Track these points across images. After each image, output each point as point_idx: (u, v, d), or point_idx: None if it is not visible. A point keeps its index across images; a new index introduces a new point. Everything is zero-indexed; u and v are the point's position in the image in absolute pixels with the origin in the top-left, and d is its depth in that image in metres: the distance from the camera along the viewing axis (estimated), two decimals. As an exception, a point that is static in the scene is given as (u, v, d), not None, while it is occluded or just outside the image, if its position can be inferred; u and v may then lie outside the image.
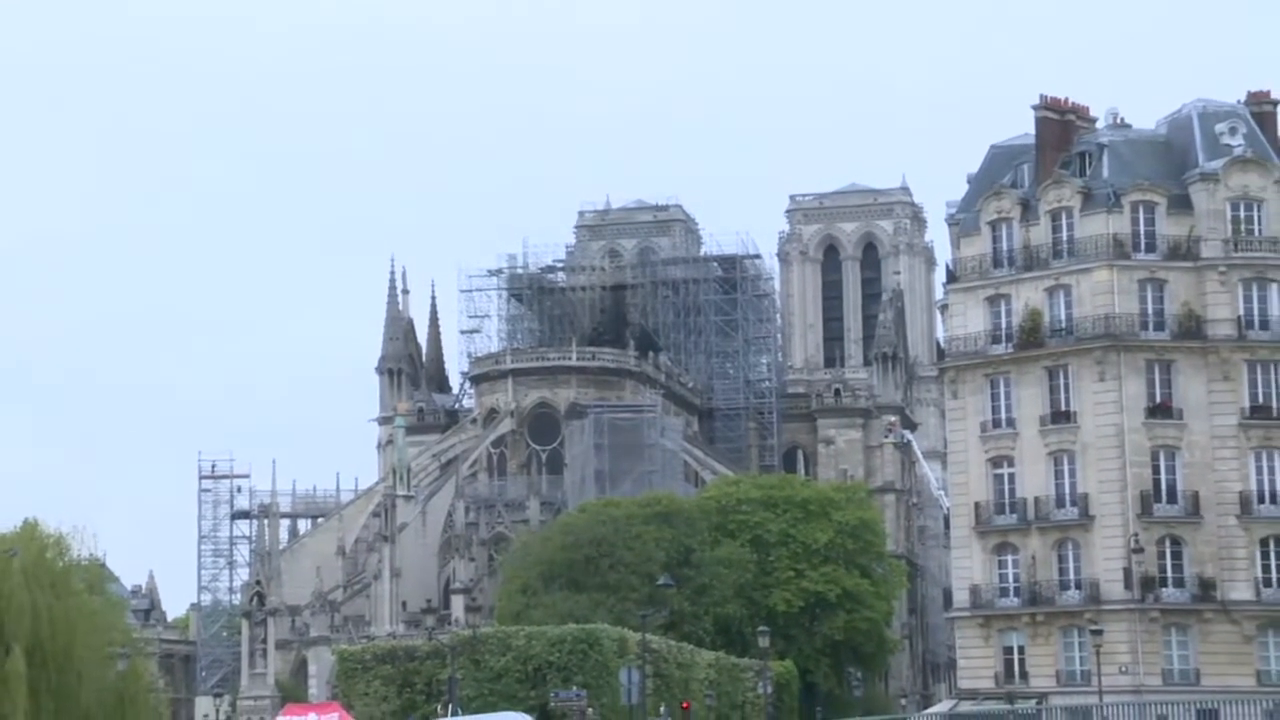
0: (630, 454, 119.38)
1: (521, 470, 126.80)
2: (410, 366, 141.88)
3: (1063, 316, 77.51)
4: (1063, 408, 77.07)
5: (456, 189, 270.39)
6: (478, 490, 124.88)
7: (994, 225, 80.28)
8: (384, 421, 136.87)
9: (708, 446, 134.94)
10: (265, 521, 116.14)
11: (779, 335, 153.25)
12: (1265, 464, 75.72)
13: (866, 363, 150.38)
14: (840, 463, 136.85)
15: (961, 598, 79.57)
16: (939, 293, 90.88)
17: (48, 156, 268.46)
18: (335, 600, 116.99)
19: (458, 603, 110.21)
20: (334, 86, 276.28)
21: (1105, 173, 78.89)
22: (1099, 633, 71.29)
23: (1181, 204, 77.71)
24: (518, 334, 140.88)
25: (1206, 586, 74.77)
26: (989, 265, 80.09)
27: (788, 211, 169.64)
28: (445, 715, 64.46)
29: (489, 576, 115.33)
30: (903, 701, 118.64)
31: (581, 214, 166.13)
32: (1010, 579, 77.67)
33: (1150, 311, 76.73)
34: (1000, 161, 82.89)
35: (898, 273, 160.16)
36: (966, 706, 75.49)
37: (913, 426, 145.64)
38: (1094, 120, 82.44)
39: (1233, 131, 79.07)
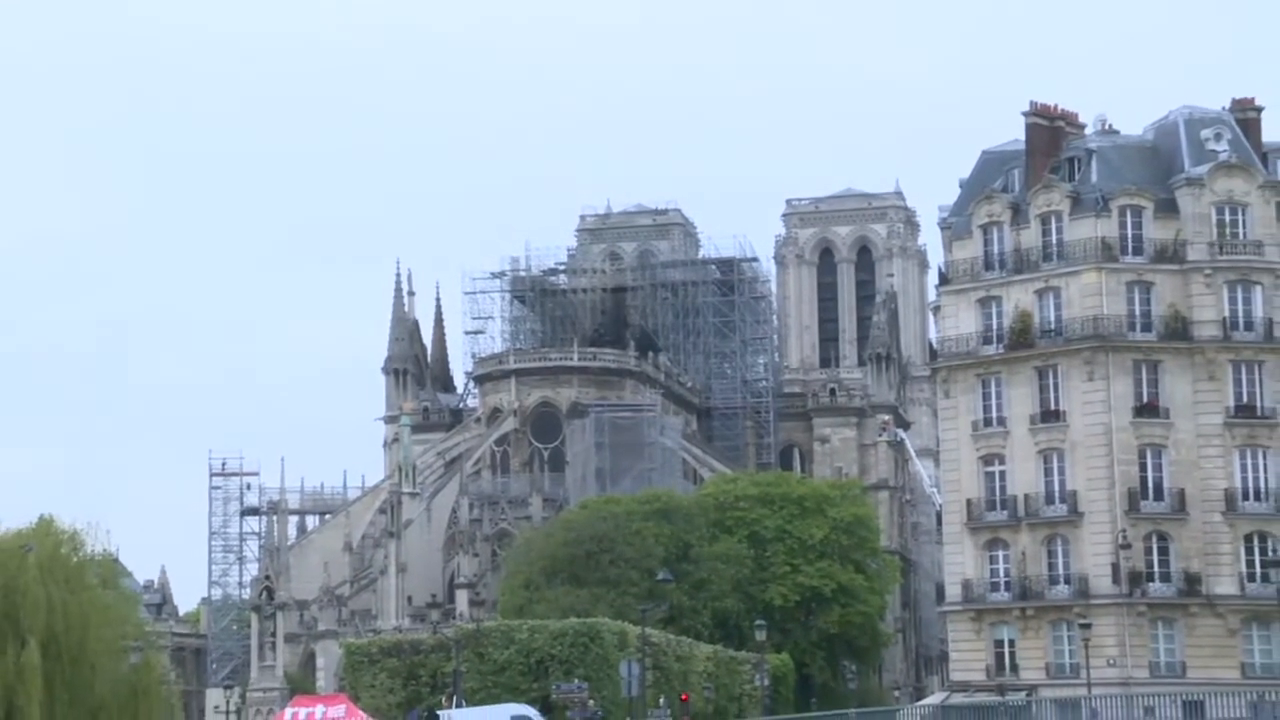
0: (630, 452, 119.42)
1: (524, 468, 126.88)
2: (416, 367, 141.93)
3: (1052, 318, 77.53)
4: (1052, 407, 77.10)
5: (461, 194, 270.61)
6: (481, 487, 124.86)
7: (985, 229, 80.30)
8: (390, 420, 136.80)
9: (706, 445, 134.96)
10: (274, 518, 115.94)
11: (775, 336, 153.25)
12: (1249, 461, 75.76)
13: (861, 363, 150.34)
14: (835, 460, 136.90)
15: (953, 592, 79.59)
16: (931, 294, 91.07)
17: (57, 160, 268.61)
18: (342, 595, 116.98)
19: (462, 597, 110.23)
20: (342, 95, 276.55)
21: (1094, 178, 78.91)
22: (1087, 626, 71.38)
23: (1168, 208, 77.74)
24: (520, 335, 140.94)
25: (1192, 581, 74.79)
26: (980, 268, 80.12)
27: (784, 215, 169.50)
28: (450, 707, 64.42)
29: (492, 571, 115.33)
30: (896, 694, 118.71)
31: (583, 218, 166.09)
32: (1001, 574, 77.70)
33: (1137, 313, 76.76)
34: (991, 167, 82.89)
35: (891, 275, 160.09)
36: (958, 698, 75.47)
37: (906, 425, 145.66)
38: (1083, 126, 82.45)
39: (1218, 137, 79.10)
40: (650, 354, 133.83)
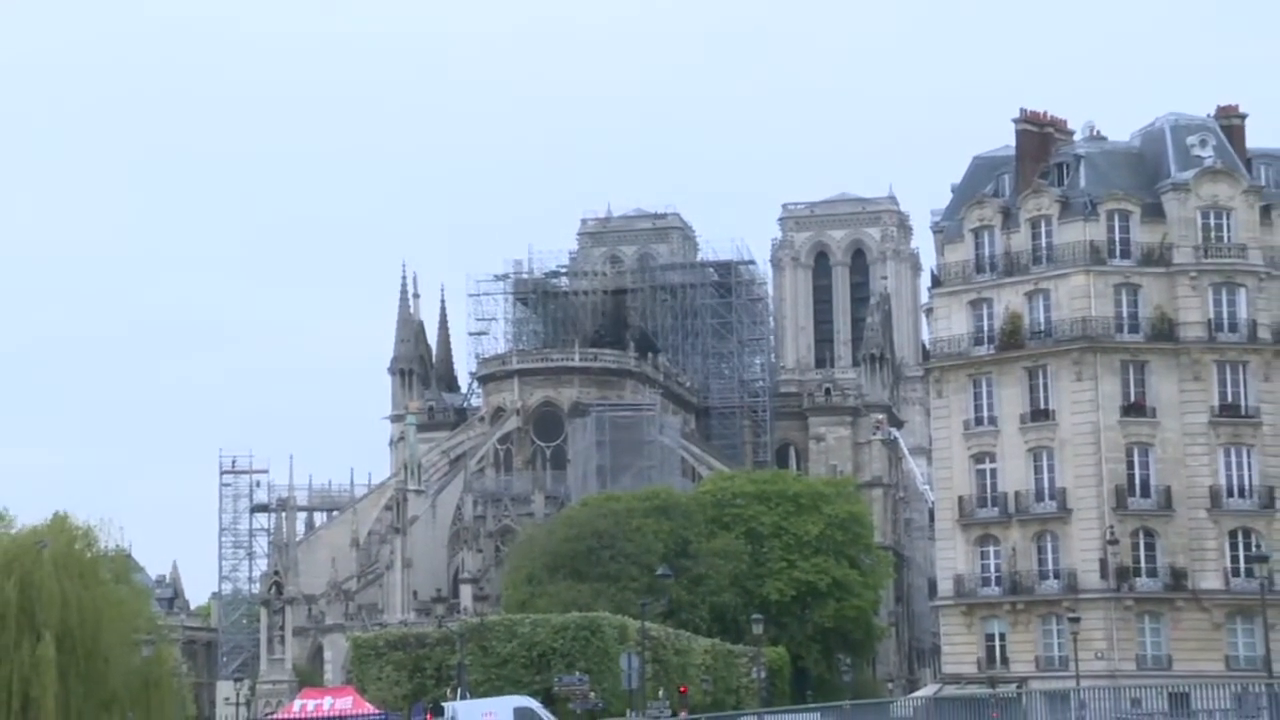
0: (630, 450, 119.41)
1: (527, 466, 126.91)
2: (421, 367, 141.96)
3: (1042, 319, 77.49)
4: (1042, 406, 77.05)
5: (465, 199, 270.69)
6: (485, 485, 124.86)
7: (976, 232, 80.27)
8: (396, 419, 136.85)
9: (704, 443, 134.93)
10: (283, 514, 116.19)
11: (772, 337, 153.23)
12: (1234, 460, 75.72)
13: (855, 363, 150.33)
14: (830, 458, 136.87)
15: (945, 587, 79.57)
16: (924, 297, 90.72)
17: (70, 161, 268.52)
18: (349, 589, 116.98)
19: (466, 592, 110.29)
20: (352, 105, 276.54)
21: (1082, 183, 78.89)
22: (1076, 620, 71.32)
23: (1154, 212, 77.73)
24: (523, 336, 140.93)
25: (1178, 576, 74.79)
26: (972, 270, 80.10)
27: (780, 219, 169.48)
28: (454, 699, 64.49)
29: (496, 567, 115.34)
30: (890, 686, 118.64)
31: (584, 222, 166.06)
32: (992, 569, 77.66)
33: (1125, 315, 76.73)
34: (982, 172, 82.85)
35: (885, 278, 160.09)
36: (950, 691, 75.45)
37: (899, 424, 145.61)
38: (1071, 133, 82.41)
39: (1203, 143, 79.09)
40: (650, 355, 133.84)
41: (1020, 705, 59.18)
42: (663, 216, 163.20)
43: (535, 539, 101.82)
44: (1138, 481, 75.55)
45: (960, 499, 78.56)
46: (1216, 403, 76.02)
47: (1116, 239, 77.43)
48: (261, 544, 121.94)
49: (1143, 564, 75.21)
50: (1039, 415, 76.96)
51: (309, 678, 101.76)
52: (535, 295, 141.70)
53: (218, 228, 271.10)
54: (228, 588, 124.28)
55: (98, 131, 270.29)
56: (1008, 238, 79.20)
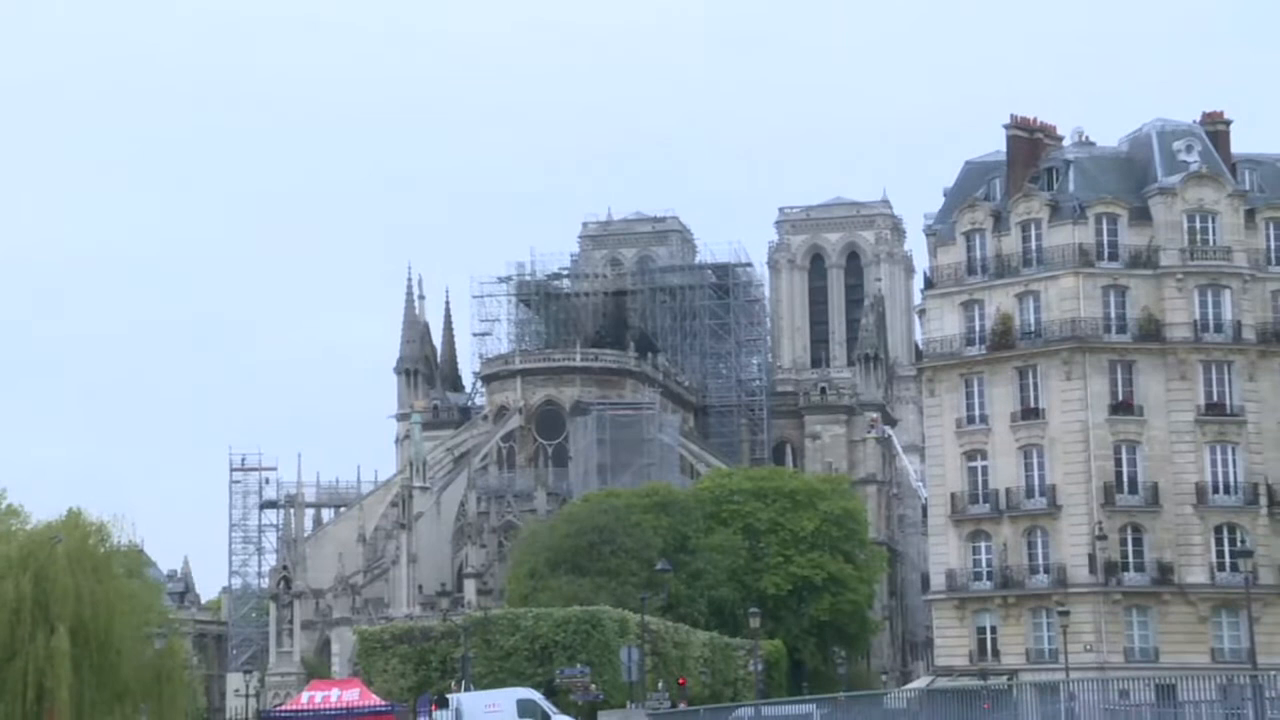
0: (630, 448, 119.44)
1: (529, 463, 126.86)
2: (426, 367, 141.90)
3: (1032, 320, 77.51)
4: (1032, 405, 77.08)
5: (469, 203, 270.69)
6: (488, 482, 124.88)
7: (968, 235, 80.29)
8: (402, 418, 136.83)
9: (702, 441, 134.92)
10: (291, 511, 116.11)
11: (768, 338, 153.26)
12: (1219, 457, 75.78)
13: (850, 363, 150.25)
14: (825, 456, 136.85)
15: (938, 581, 79.58)
16: (917, 298, 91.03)
17: (84, 164, 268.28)
18: (356, 584, 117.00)
19: (470, 586, 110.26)
20: (356, 108, 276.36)
21: (1071, 187, 78.92)
22: (1066, 614, 71.37)
23: (1142, 216, 77.77)
24: (525, 337, 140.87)
25: (1165, 571, 74.83)
26: (964, 273, 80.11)
27: (777, 223, 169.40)
28: (458, 691, 64.48)
29: (499, 562, 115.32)
30: (883, 678, 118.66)
31: (585, 225, 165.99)
32: (983, 564, 77.69)
33: (1113, 316, 76.77)
34: (974, 176, 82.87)
35: (879, 280, 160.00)
36: (943, 682, 75.39)
37: (893, 422, 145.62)
38: (1061, 138, 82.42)
39: (1189, 149, 79.10)
40: (649, 355, 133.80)
41: (1011, 697, 59.02)
42: (662, 220, 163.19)
43: (537, 535, 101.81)
44: (1125, 478, 75.60)
45: (952, 495, 78.57)
46: (1202, 401, 76.06)
47: (1105, 242, 77.47)
48: (270, 540, 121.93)
49: (1130, 559, 75.25)
50: (1029, 414, 76.99)
51: (317, 670, 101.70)
52: (537, 297, 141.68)
53: (231, 234, 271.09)
54: (237, 582, 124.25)
55: (118, 139, 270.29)
56: (999, 240, 79.22)
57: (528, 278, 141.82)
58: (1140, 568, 75.08)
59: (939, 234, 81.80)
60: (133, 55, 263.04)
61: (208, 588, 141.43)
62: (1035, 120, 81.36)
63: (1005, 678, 72.38)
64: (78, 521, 59.25)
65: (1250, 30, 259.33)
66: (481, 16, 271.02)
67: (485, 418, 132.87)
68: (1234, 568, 72.07)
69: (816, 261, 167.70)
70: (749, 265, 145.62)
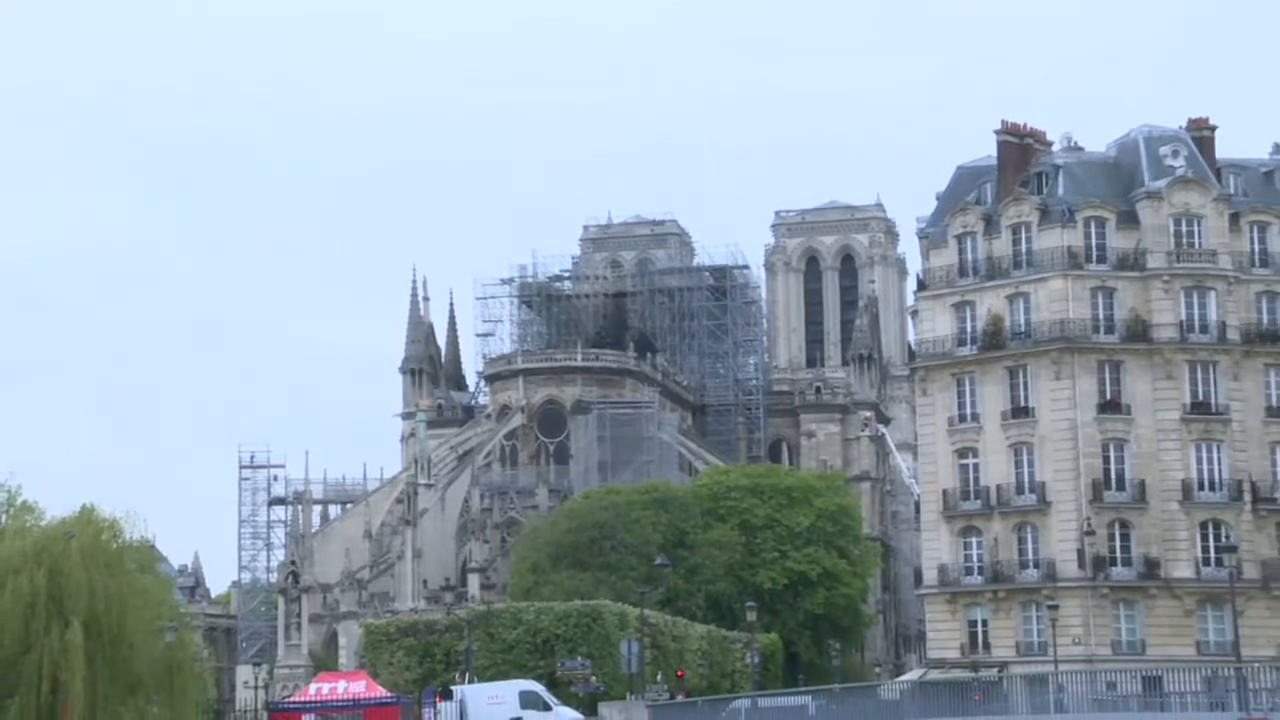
0: (630, 446, 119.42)
1: (531, 461, 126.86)
2: (431, 367, 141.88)
3: (1022, 321, 77.68)
4: (1022, 404, 77.25)
5: (472, 207, 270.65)
6: (492, 479, 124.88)
7: (960, 238, 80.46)
8: (407, 416, 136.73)
9: (700, 439, 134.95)
10: (299, 507, 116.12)
11: (765, 338, 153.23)
12: (1204, 455, 75.97)
13: (844, 363, 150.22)
14: (820, 454, 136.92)
15: (930, 576, 79.75)
16: (910, 300, 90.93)
17: (93, 164, 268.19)
18: (362, 579, 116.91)
19: (473, 581, 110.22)
20: (359, 111, 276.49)
21: (1060, 191, 79.06)
22: (1055, 608, 71.56)
23: (1129, 220, 77.93)
24: (528, 337, 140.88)
25: (1152, 565, 74.97)
26: (955, 275, 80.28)
27: (773, 226, 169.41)
28: (462, 683, 64.55)
29: (502, 557, 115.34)
30: (877, 670, 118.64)
31: (585, 228, 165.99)
32: (975, 559, 77.85)
33: (1101, 317, 76.94)
34: (965, 181, 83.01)
35: (873, 282, 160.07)
36: (935, 674, 75.58)
37: (886, 421, 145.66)
38: (1050, 143, 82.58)
39: (1175, 154, 79.26)
40: (648, 355, 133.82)
41: (1001, 688, 59.24)
42: (661, 223, 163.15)
43: (539, 530, 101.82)
44: (1113, 475, 75.78)
45: (944, 492, 78.72)
46: (1188, 400, 76.22)
47: (1093, 245, 77.65)
48: (279, 535, 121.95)
49: (1118, 554, 75.42)
50: (1019, 412, 77.15)
51: (324, 662, 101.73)
52: (539, 298, 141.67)
53: (240, 235, 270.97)
54: (247, 577, 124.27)
55: (128, 140, 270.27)
56: (989, 243, 79.37)
57: (530, 279, 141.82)
58: (1127, 563, 75.24)
59: (931, 237, 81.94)
60: (133, 55, 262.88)
61: (218, 582, 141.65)
62: (1025, 126, 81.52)
63: (996, 670, 72.52)
64: (91, 518, 59.16)
65: (1234, 39, 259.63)
66: (482, 19, 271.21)
67: (488, 416, 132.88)
68: (1219, 563, 72.28)
69: (812, 264, 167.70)
70: (746, 267, 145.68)
